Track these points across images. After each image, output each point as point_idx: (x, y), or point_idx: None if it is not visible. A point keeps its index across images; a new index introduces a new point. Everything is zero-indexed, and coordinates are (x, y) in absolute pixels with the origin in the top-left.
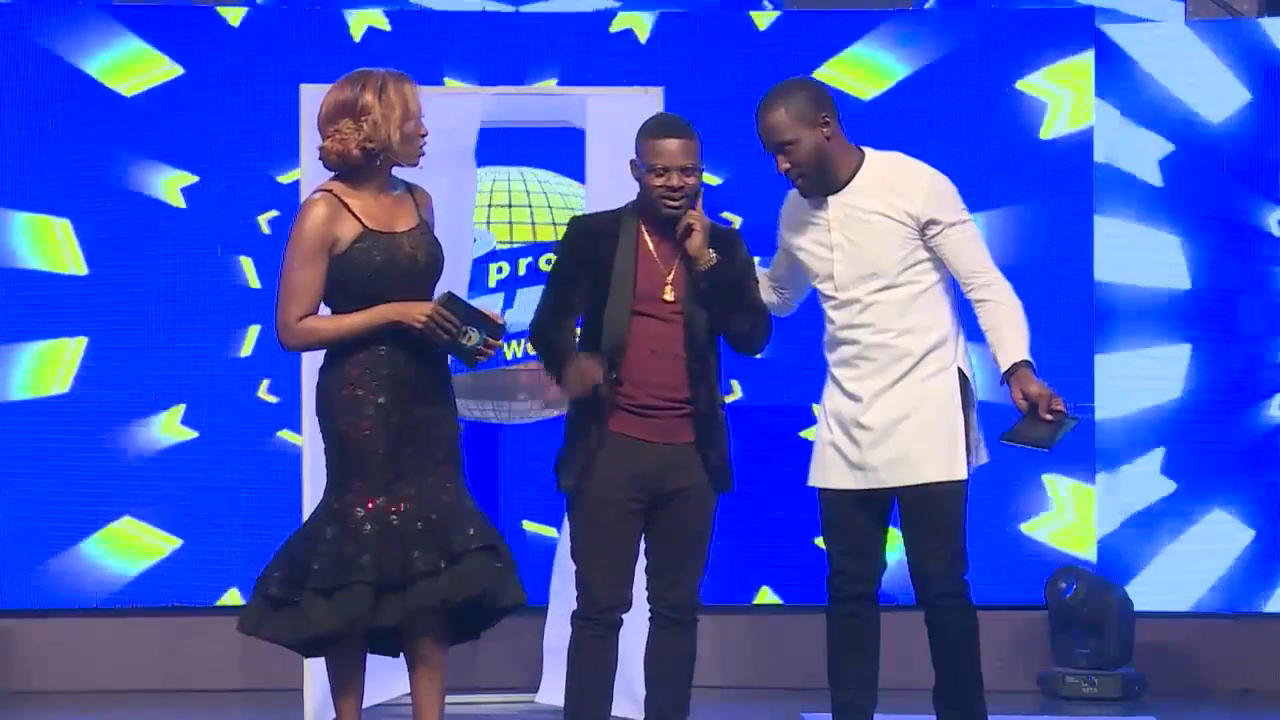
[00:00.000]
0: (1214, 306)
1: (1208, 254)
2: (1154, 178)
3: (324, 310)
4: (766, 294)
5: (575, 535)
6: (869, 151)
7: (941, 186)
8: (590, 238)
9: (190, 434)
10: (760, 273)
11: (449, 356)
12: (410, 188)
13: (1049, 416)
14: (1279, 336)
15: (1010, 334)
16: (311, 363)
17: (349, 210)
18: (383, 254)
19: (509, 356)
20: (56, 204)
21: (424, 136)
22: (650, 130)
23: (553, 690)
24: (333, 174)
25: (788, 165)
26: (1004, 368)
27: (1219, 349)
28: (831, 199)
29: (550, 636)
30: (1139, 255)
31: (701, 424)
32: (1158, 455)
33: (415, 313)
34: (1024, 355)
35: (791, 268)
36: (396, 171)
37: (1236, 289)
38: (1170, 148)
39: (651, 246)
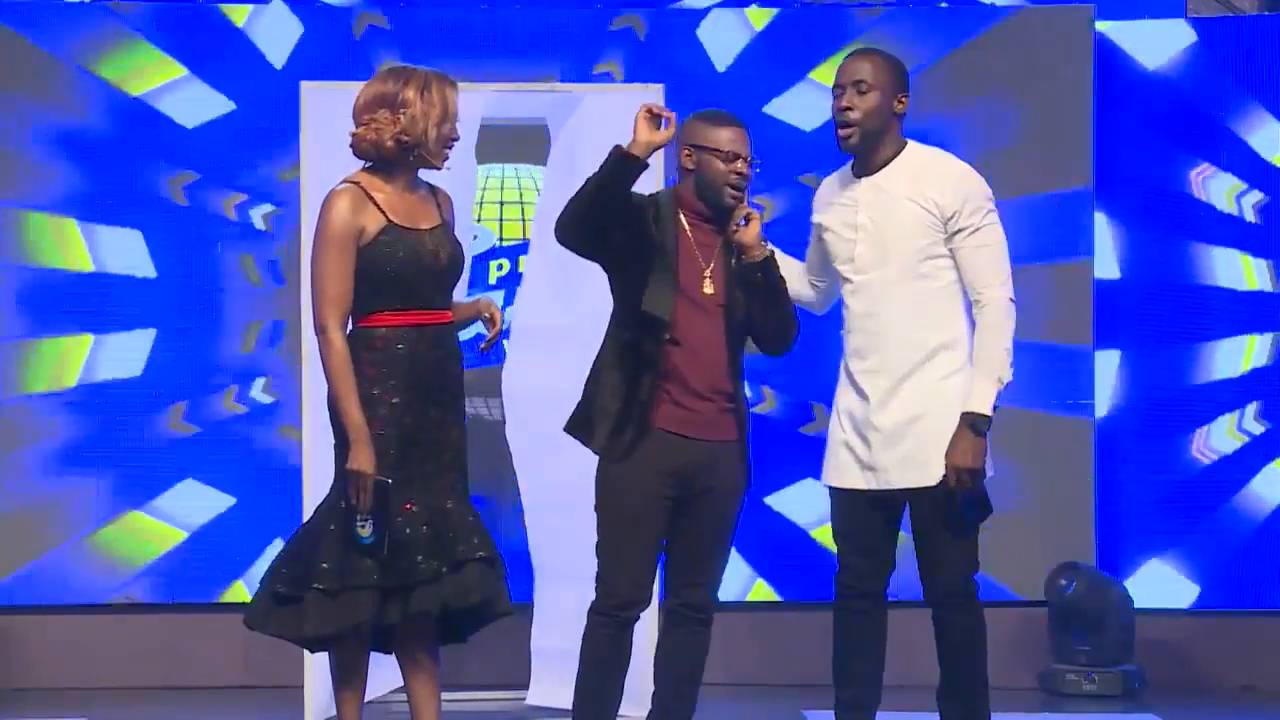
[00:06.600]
0: (1228, 304)
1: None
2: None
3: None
4: (805, 288)
5: (604, 529)
6: (911, 143)
7: (973, 185)
8: (642, 203)
9: (192, 429)
10: (798, 267)
11: (462, 363)
12: (432, 188)
13: (953, 486)
14: None
15: (978, 373)
16: (313, 361)
17: (374, 203)
18: (406, 249)
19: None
20: (65, 203)
21: (455, 140)
22: (719, 119)
23: (543, 692)
24: (362, 165)
25: (847, 105)
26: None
27: (1227, 345)
28: (865, 180)
29: (538, 638)
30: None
31: (742, 420)
32: (1158, 453)
33: (363, 463)
34: (975, 407)
35: (822, 254)
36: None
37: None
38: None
39: (691, 237)
